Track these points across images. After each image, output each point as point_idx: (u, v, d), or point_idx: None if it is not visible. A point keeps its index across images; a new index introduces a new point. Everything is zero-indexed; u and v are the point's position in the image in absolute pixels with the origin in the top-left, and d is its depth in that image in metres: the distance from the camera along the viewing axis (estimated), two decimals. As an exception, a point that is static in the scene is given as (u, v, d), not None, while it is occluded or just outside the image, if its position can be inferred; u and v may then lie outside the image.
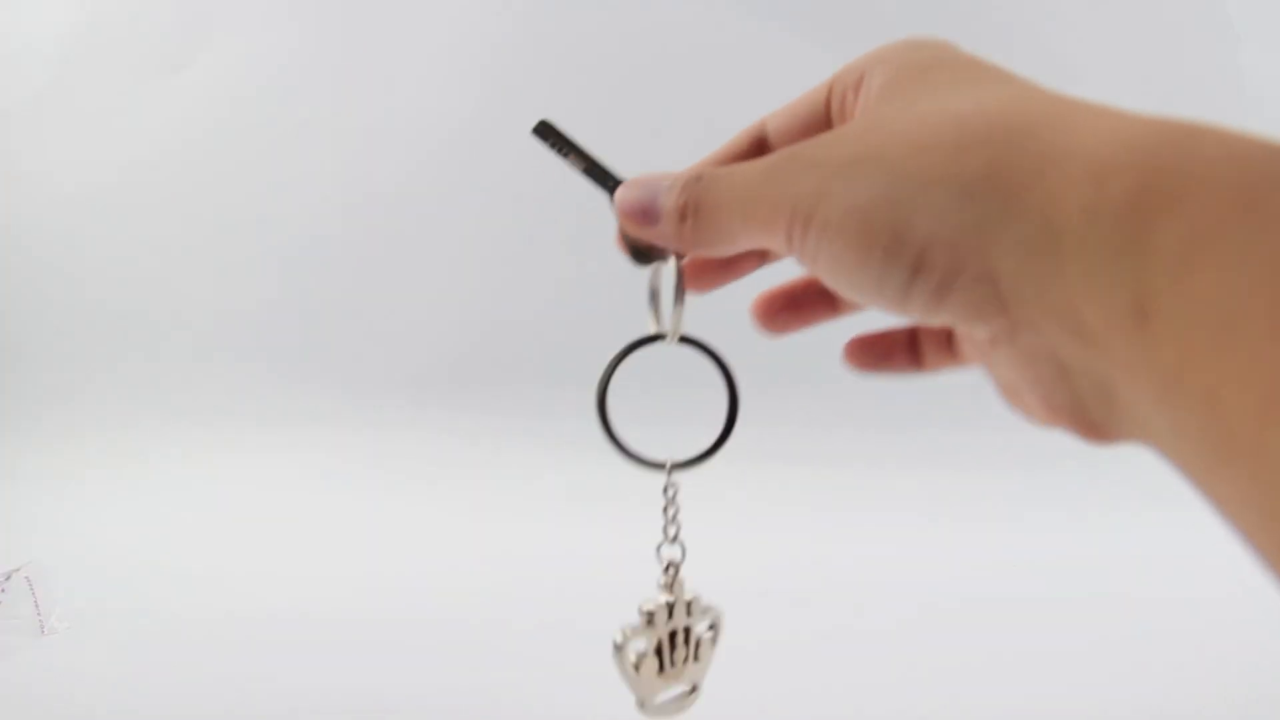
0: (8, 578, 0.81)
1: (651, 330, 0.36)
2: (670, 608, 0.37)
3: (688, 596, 0.38)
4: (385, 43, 1.52)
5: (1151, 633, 0.80)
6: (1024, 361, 0.26)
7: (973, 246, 0.23)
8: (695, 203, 0.30)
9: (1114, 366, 0.22)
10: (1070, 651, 0.77)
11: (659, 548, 0.37)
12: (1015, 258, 0.23)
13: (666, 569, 0.38)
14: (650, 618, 0.37)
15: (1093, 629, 0.81)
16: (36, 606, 0.80)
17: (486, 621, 0.83)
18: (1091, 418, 0.25)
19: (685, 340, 0.37)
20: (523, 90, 1.48)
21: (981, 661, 0.76)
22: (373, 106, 1.52)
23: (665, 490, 0.37)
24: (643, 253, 0.34)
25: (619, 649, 0.37)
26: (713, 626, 0.39)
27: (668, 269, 0.35)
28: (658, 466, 0.37)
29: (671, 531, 0.38)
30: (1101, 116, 0.23)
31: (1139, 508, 1.06)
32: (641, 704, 0.38)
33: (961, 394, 1.40)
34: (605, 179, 0.34)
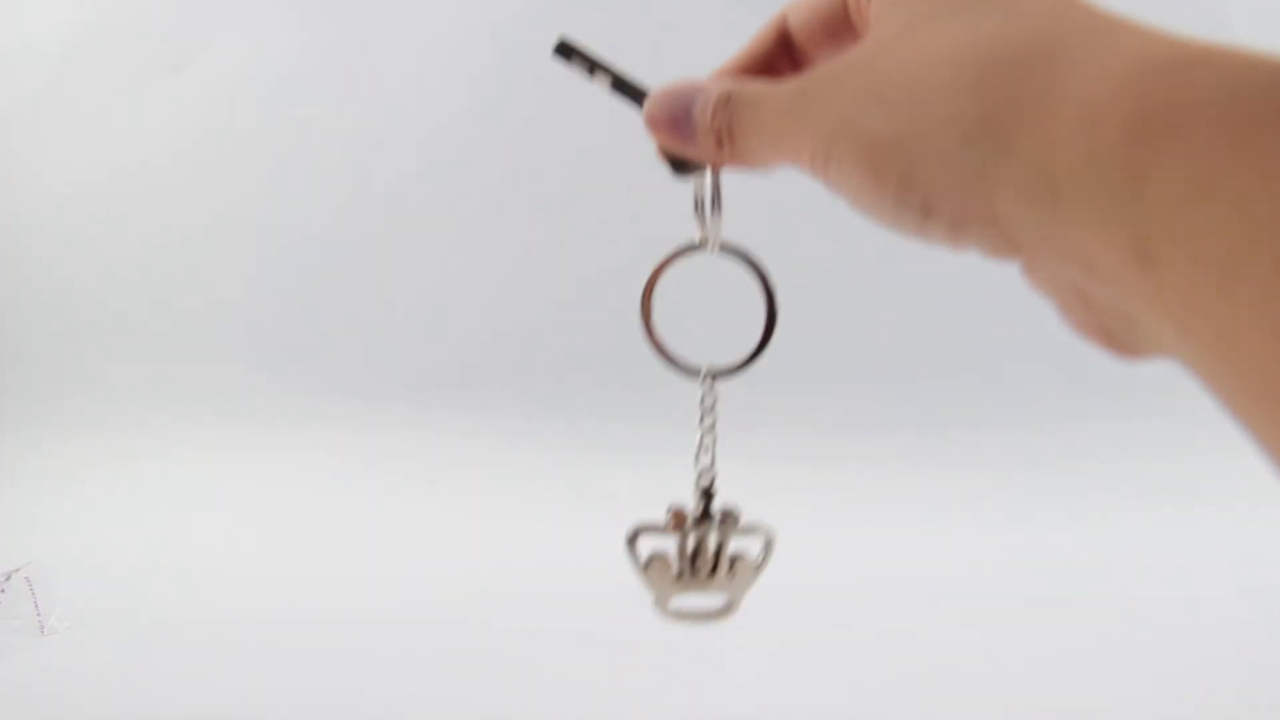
0: (8, 578, 0.81)
1: (701, 238, 0.36)
2: (698, 517, 0.37)
3: (726, 510, 0.37)
4: (385, 43, 1.52)
5: (1154, 632, 0.80)
6: (1049, 287, 0.26)
7: (976, 193, 0.24)
8: (728, 127, 0.30)
9: (1129, 301, 0.22)
10: (1071, 651, 0.77)
11: (696, 457, 0.37)
12: (1016, 205, 0.23)
13: (699, 477, 0.37)
14: (674, 520, 0.36)
15: (1094, 629, 0.81)
16: (36, 606, 0.80)
17: (487, 622, 0.83)
18: (1119, 338, 0.26)
19: (725, 249, 0.36)
20: (524, 90, 1.47)
21: (983, 662, 0.76)
22: (373, 106, 1.52)
23: (702, 400, 0.37)
24: (681, 164, 0.34)
25: (631, 543, 0.36)
26: (765, 549, 0.37)
27: (707, 178, 0.34)
28: (693, 372, 0.37)
29: (707, 442, 0.37)
30: (1097, 41, 0.23)
31: (1140, 508, 1.06)
32: (654, 604, 0.38)
33: (962, 394, 1.40)
34: (634, 94, 0.34)
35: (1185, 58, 0.21)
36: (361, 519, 1.08)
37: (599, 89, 0.34)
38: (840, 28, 0.32)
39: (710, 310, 0.81)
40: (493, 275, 1.50)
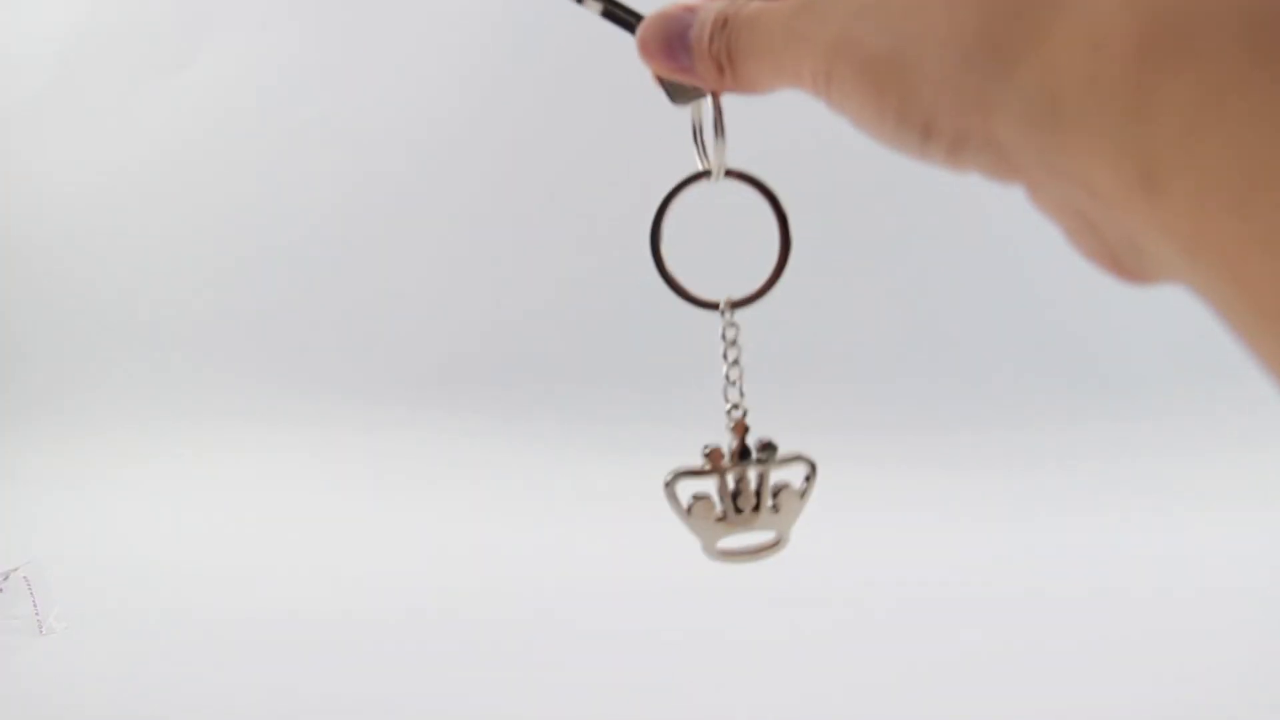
0: (6, 577, 0.81)
1: (701, 168, 0.35)
2: (734, 454, 0.36)
3: (763, 442, 0.36)
4: (384, 44, 1.52)
5: (1154, 632, 0.80)
6: (1055, 212, 0.25)
7: (976, 115, 0.23)
8: (728, 52, 0.29)
9: (1134, 227, 0.21)
10: (1070, 651, 0.77)
11: (724, 393, 0.36)
12: (1017, 129, 0.22)
13: (730, 411, 0.36)
14: (712, 461, 0.35)
15: (1093, 629, 0.81)
16: (35, 606, 0.80)
17: (486, 622, 0.83)
18: (1126, 264, 0.25)
19: (731, 174, 0.35)
20: (520, 90, 1.47)
21: (982, 661, 0.76)
22: (370, 107, 1.52)
23: (724, 333, 0.36)
24: (679, 90, 0.33)
25: (670, 488, 0.35)
26: (808, 478, 0.37)
27: (707, 104, 0.33)
28: (713, 306, 0.36)
29: (734, 375, 0.36)
30: None
31: (1140, 508, 1.06)
32: (703, 548, 0.37)
33: (962, 394, 1.40)
34: (627, 19, 0.32)
35: None
36: (362, 519, 1.08)
37: (590, 12, 0.32)
38: None
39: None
40: (489, 275, 1.50)
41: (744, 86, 0.30)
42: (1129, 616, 0.83)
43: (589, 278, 1.32)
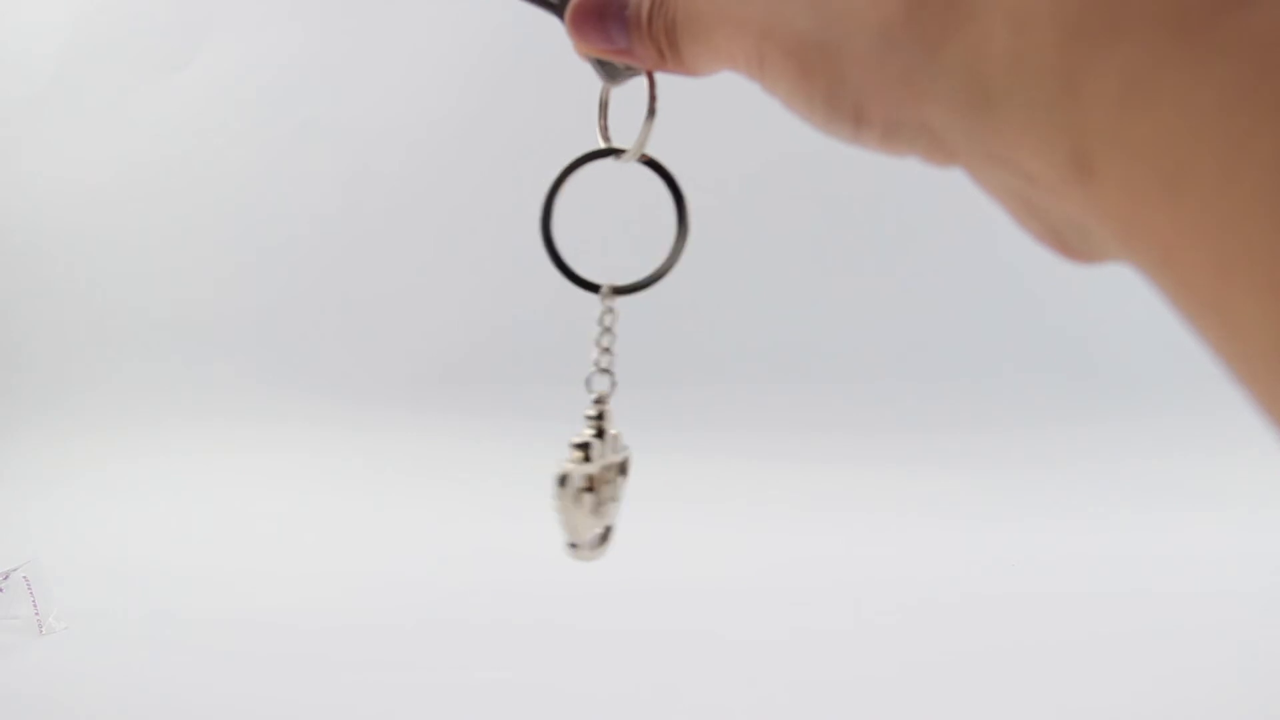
0: (6, 577, 0.81)
1: (603, 145, 0.34)
2: (600, 441, 0.35)
3: (613, 430, 0.35)
4: (383, 43, 1.52)
5: (1154, 632, 0.80)
6: (997, 193, 0.24)
7: (905, 99, 0.22)
8: (666, 33, 0.28)
9: (1071, 211, 0.21)
10: (1070, 650, 0.77)
11: (589, 379, 0.34)
12: (946, 112, 0.22)
13: (596, 401, 0.35)
14: (584, 451, 0.34)
15: (1092, 628, 0.81)
16: (35, 606, 0.80)
17: (485, 621, 0.83)
18: (1071, 244, 0.24)
19: (645, 161, 0.33)
20: (517, 91, 1.47)
21: (982, 660, 0.76)
22: (368, 107, 1.52)
23: (601, 318, 0.34)
24: (613, 69, 0.32)
25: (564, 483, 0.34)
26: (623, 466, 0.35)
27: (634, 82, 0.32)
28: (593, 288, 0.35)
29: (604, 362, 0.34)
30: None
31: (1140, 508, 1.06)
32: (574, 546, 0.36)
33: (962, 395, 1.40)
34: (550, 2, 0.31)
35: None
36: (362, 518, 1.08)
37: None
38: None
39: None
40: (487, 275, 1.50)
41: (686, 69, 0.29)
42: (1129, 615, 0.83)
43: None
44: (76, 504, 1.11)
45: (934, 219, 1.46)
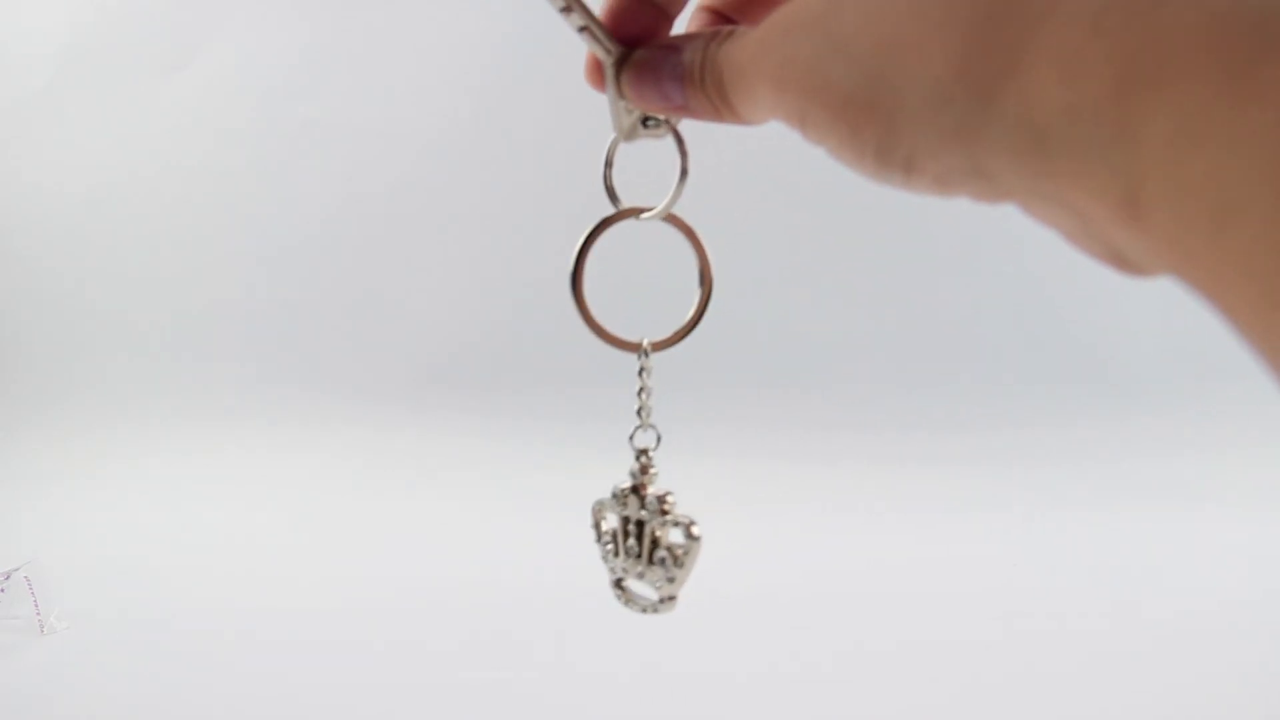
0: (7, 577, 0.81)
1: (615, 207, 0.35)
2: (632, 493, 0.36)
3: (658, 491, 0.36)
4: (382, 44, 1.52)
5: (1153, 632, 0.80)
6: (1050, 222, 0.25)
7: (958, 149, 0.23)
8: (716, 88, 0.29)
9: (1123, 244, 0.21)
10: (1069, 650, 0.77)
11: (632, 434, 0.36)
12: (1001, 159, 0.22)
13: (639, 456, 0.36)
14: (617, 496, 0.36)
15: (1092, 628, 0.81)
16: (36, 606, 0.80)
17: (484, 621, 0.83)
18: (1130, 261, 0.24)
19: (668, 218, 0.35)
20: (523, 92, 1.47)
21: (982, 660, 0.76)
22: (371, 108, 1.52)
23: (640, 373, 0.36)
24: (638, 125, 0.33)
25: (595, 518, 0.36)
26: (690, 537, 0.36)
27: (654, 141, 0.33)
28: (633, 348, 0.35)
29: (645, 415, 0.36)
30: None
31: (1140, 508, 1.06)
32: (613, 583, 0.37)
33: (962, 395, 1.40)
34: (602, 40, 0.31)
35: None
36: (362, 518, 1.08)
37: (568, 26, 0.31)
38: None
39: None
40: (491, 276, 1.50)
41: (739, 120, 0.30)
42: (1129, 614, 0.83)
43: (589, 279, 1.32)
44: (77, 504, 1.11)
45: (937, 219, 1.46)
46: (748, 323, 1.38)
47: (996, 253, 1.44)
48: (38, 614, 0.80)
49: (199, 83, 1.51)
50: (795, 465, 1.20)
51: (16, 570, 0.82)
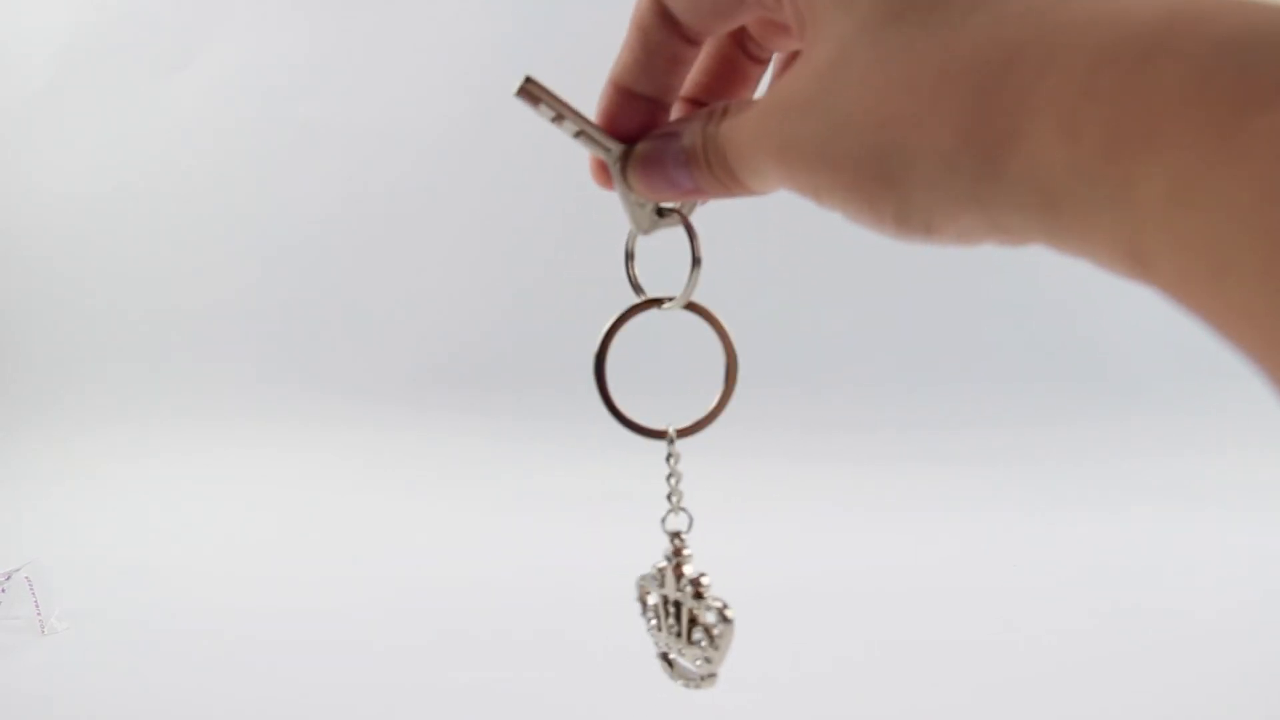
0: (8, 577, 0.81)
1: (639, 297, 0.35)
2: (666, 573, 0.37)
3: (693, 574, 0.37)
4: (382, 45, 1.52)
5: (1153, 631, 0.80)
6: (1078, 258, 0.26)
7: (975, 209, 0.24)
8: (723, 168, 0.29)
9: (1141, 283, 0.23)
10: (1069, 649, 0.77)
11: (664, 518, 0.37)
12: (1016, 217, 0.23)
13: (673, 538, 0.37)
14: (654, 576, 0.37)
15: (1091, 627, 0.81)
16: (36, 606, 0.80)
17: (484, 621, 0.83)
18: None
19: (689, 306, 0.35)
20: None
21: (982, 660, 0.76)
22: (372, 109, 1.52)
23: (668, 459, 0.37)
24: (653, 218, 0.33)
25: (640, 594, 0.37)
26: (724, 620, 0.37)
27: (670, 230, 0.34)
28: (659, 435, 0.36)
29: (676, 500, 0.37)
30: (1044, 36, 0.22)
31: (1140, 508, 1.06)
32: (659, 655, 0.38)
33: (963, 395, 1.40)
34: (600, 142, 0.32)
35: (1149, 42, 0.20)
36: (362, 518, 1.08)
37: (563, 134, 0.31)
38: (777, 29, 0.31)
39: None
40: (493, 277, 1.50)
41: (751, 193, 0.30)
42: (1129, 614, 0.83)
43: (591, 280, 1.32)
44: (78, 504, 1.11)
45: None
46: (749, 323, 1.38)
47: (997, 253, 1.44)
48: (38, 614, 0.80)
49: (199, 83, 1.51)
50: (795, 465, 1.20)
51: (17, 570, 0.82)
